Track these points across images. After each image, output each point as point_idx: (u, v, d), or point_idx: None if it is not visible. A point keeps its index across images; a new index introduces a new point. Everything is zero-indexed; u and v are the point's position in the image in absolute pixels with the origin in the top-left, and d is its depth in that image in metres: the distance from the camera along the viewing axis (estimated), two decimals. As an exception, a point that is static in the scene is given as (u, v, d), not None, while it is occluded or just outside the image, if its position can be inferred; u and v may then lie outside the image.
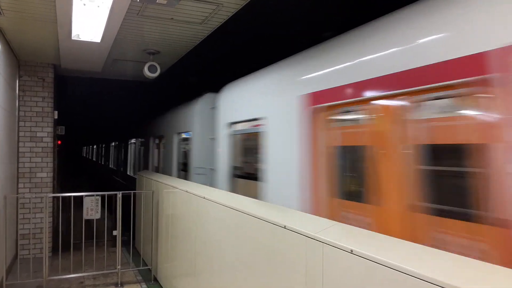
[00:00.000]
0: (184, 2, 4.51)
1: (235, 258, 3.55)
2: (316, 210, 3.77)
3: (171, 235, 5.72)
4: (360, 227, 2.63)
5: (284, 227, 2.73)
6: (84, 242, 6.34)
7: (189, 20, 5.15)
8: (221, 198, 4.11)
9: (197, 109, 7.36)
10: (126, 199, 6.70)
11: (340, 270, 2.21)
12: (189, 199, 4.92)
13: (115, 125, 17.94)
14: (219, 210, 3.93)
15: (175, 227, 5.54)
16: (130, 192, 7.15)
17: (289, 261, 2.68)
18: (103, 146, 22.22)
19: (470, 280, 1.61)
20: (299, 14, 6.00)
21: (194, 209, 4.75)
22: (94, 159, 30.45)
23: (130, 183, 12.52)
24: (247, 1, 4.49)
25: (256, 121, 5.00)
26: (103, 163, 22.82)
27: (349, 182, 3.61)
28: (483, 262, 1.79)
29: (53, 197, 7.72)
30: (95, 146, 28.55)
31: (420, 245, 2.16)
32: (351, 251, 2.11)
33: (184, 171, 8.09)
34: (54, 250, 7.54)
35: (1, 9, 4.83)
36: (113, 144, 16.41)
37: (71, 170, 29.54)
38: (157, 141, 10.67)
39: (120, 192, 6.42)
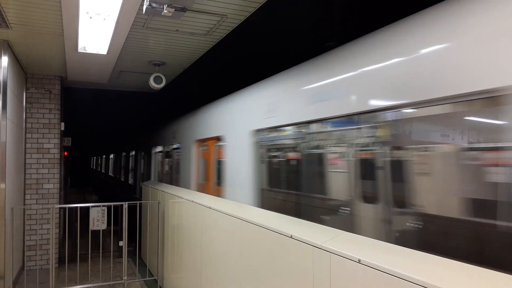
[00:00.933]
0: (189, 14, 4.56)
1: (241, 268, 3.54)
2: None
3: (177, 246, 5.71)
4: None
5: (291, 237, 2.73)
6: (91, 253, 6.34)
7: (194, 32, 5.20)
8: (227, 208, 4.11)
9: None
10: (132, 209, 6.71)
11: (348, 280, 2.19)
12: (195, 209, 4.92)
13: (126, 134, 17.85)
14: (225, 220, 3.93)
15: (181, 237, 5.53)
16: (136, 203, 7.17)
17: (296, 270, 2.67)
18: (117, 156, 21.16)
19: (479, 289, 1.60)
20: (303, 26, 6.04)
21: (200, 219, 4.75)
22: (103, 171, 29.07)
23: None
24: (251, 13, 4.54)
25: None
26: (115, 175, 21.48)
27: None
28: (492, 271, 1.77)
29: (60, 208, 7.75)
30: (107, 156, 27.39)
31: (426, 253, 2.15)
32: (359, 260, 2.10)
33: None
34: (61, 261, 7.55)
35: (9, 23, 4.91)
36: (132, 153, 15.51)
37: (77, 183, 29.26)
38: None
39: (126, 202, 6.44)
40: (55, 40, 5.56)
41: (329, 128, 3.59)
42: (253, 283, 3.31)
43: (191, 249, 5.03)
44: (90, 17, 4.50)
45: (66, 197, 9.42)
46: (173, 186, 7.40)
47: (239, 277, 3.56)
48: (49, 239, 6.49)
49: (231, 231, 3.78)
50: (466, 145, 2.44)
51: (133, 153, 14.62)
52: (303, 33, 6.14)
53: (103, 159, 28.74)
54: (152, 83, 6.86)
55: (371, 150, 3.04)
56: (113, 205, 6.63)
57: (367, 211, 3.02)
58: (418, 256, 2.13)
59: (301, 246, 2.61)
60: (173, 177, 8.69)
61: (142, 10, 3.77)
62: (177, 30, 5.13)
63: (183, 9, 3.71)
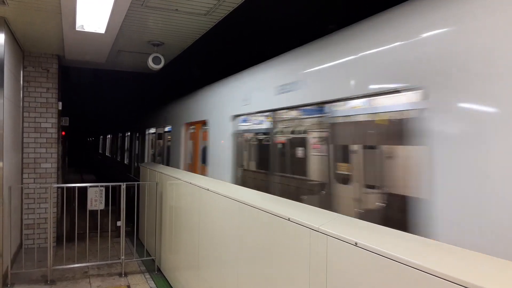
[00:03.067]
0: (189, -7, 4.49)
1: (238, 250, 3.56)
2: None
3: (174, 227, 5.74)
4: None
5: (288, 219, 2.74)
6: (89, 233, 6.38)
7: (193, 12, 5.13)
8: (225, 190, 4.12)
9: None
10: (130, 190, 6.73)
11: (344, 263, 2.21)
12: (192, 191, 4.93)
13: (122, 116, 17.74)
14: (223, 202, 3.94)
15: (178, 218, 5.56)
16: (134, 183, 7.18)
17: (293, 253, 2.69)
18: (113, 136, 20.87)
19: (475, 273, 1.61)
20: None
21: (197, 201, 4.77)
22: (100, 151, 28.79)
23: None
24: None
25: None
26: (112, 155, 21.39)
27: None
28: (490, 256, 1.78)
29: (58, 187, 7.76)
30: (104, 137, 26.89)
31: (423, 238, 2.17)
32: (356, 243, 2.11)
33: None
34: (59, 240, 7.60)
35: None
36: (127, 134, 15.23)
37: (75, 163, 28.96)
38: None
39: (124, 183, 6.45)
40: (52, 18, 5.47)
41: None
42: (250, 264, 3.34)
43: (189, 230, 5.06)
44: (88, -5, 4.42)
45: (64, 177, 9.42)
46: (171, 168, 7.42)
47: (236, 258, 3.59)
48: (47, 218, 6.51)
49: (229, 213, 3.80)
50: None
51: (128, 134, 14.58)
52: (301, 17, 6.07)
53: (100, 140, 28.60)
54: (150, 63, 6.79)
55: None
56: (111, 185, 6.65)
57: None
58: (415, 239, 2.14)
59: (298, 229, 2.62)
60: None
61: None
62: (176, 9, 5.05)
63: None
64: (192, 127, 7.25)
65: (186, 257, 5.15)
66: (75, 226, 6.42)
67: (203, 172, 6.39)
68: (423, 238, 2.16)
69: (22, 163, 7.44)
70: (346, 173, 4.12)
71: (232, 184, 4.90)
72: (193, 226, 4.89)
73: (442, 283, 1.61)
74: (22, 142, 7.44)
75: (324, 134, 4.06)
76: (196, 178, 5.28)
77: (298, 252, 2.63)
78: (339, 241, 2.24)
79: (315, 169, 4.77)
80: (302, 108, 4.20)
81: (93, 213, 6.57)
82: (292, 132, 5.33)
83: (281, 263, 2.84)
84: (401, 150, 3.65)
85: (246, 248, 3.41)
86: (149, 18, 5.45)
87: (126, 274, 6.33)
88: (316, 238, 2.43)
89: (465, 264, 1.75)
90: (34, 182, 7.49)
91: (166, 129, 9.25)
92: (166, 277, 6.15)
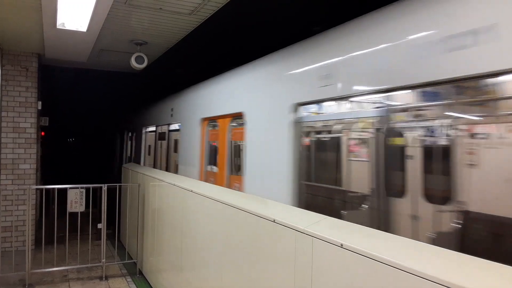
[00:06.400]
0: (173, -8, 4.43)
1: (222, 252, 3.52)
2: None
3: (157, 229, 5.66)
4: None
5: (274, 221, 2.71)
6: (68, 235, 6.23)
7: (178, 11, 5.06)
8: (209, 191, 4.07)
9: None
10: (111, 192, 6.61)
11: (330, 264, 2.19)
12: (175, 192, 4.87)
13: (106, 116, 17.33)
14: (207, 204, 3.89)
15: (161, 220, 5.48)
16: (116, 185, 7.06)
17: (278, 255, 2.67)
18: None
19: (460, 274, 1.61)
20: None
21: (180, 202, 4.70)
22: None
23: None
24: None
25: None
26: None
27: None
28: (475, 257, 1.79)
29: (37, 189, 7.57)
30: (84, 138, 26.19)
31: (409, 239, 2.17)
32: (341, 245, 2.09)
33: None
34: (37, 243, 7.41)
35: (-17, -5, 4.68)
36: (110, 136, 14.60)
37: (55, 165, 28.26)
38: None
39: (106, 184, 6.33)
40: (32, 15, 5.33)
41: None
42: (235, 266, 3.30)
43: (172, 232, 4.99)
44: (70, -8, 4.33)
45: (43, 178, 9.20)
46: (154, 169, 7.31)
47: (220, 260, 3.55)
48: (25, 220, 6.34)
49: (213, 214, 3.75)
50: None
51: (110, 135, 14.36)
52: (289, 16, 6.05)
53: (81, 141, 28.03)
54: (133, 63, 6.69)
55: None
56: (92, 187, 6.52)
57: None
58: (401, 241, 2.14)
59: (284, 230, 2.60)
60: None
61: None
62: (160, 8, 4.99)
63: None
64: (214, 123, 5.74)
65: (169, 260, 5.08)
66: (54, 228, 6.26)
67: (233, 185, 4.96)
68: (410, 240, 2.16)
69: (0, 164, 7.23)
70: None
71: (217, 186, 4.85)
72: (176, 228, 4.82)
73: (425, 283, 1.62)
74: (0, 143, 7.24)
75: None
76: (179, 179, 5.20)
77: (283, 253, 2.60)
78: (324, 242, 2.22)
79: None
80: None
81: (74, 215, 6.43)
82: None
83: (267, 264, 2.81)
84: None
85: (231, 250, 3.37)
86: (132, 16, 5.36)
87: (107, 278, 6.20)
88: (301, 240, 2.41)
89: (451, 265, 1.75)
90: (12, 184, 7.28)
91: (172, 127, 7.89)
92: (148, 280, 6.05)
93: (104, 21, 5.33)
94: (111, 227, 7.43)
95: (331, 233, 2.26)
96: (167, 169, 7.89)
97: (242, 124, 4.68)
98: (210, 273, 3.77)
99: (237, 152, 5.12)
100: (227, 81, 5.40)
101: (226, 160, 5.20)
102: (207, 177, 5.75)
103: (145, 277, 6.23)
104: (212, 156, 5.76)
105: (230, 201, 3.45)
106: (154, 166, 8.83)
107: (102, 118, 18.52)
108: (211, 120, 5.78)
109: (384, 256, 1.85)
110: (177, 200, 4.84)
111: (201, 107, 6.10)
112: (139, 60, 6.78)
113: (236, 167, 5.08)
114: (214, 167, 5.63)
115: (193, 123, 6.23)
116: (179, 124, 7.20)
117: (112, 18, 5.36)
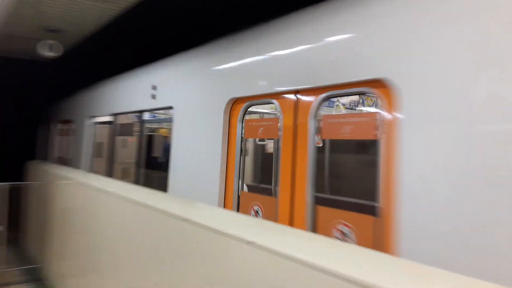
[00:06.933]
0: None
1: (131, 253, 3.37)
2: None
3: (65, 231, 5.30)
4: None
5: (184, 220, 2.63)
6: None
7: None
8: (119, 189, 3.91)
9: None
10: (14, 191, 6.08)
11: (241, 262, 2.18)
12: (84, 191, 4.60)
13: None
14: (115, 203, 3.73)
15: (69, 222, 5.14)
16: (19, 184, 6.51)
17: (189, 254, 2.60)
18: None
19: (365, 269, 1.65)
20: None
21: (89, 202, 4.45)
22: None
23: None
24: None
25: None
26: None
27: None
28: (382, 253, 1.85)
29: None
30: None
31: (323, 236, 2.22)
32: (252, 243, 2.08)
33: None
34: None
35: None
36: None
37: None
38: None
39: (7, 183, 5.80)
40: None
41: None
42: (143, 267, 3.17)
43: (81, 234, 4.69)
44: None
45: None
46: (62, 166, 6.84)
47: (129, 262, 3.39)
48: None
49: (121, 214, 3.59)
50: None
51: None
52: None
53: None
54: (43, 51, 6.19)
55: None
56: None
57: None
58: (313, 238, 2.20)
59: (193, 229, 2.53)
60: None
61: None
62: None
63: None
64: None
65: (76, 264, 4.77)
66: None
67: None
68: (322, 236, 2.21)
69: None
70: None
71: (132, 185, 4.65)
72: (85, 230, 4.54)
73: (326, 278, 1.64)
74: None
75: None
76: (89, 177, 4.92)
77: (194, 253, 2.54)
78: (235, 241, 2.19)
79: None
80: None
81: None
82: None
83: (177, 265, 2.73)
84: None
85: (140, 251, 3.24)
86: (43, 1, 4.95)
87: (4, 285, 5.65)
88: (212, 238, 2.36)
89: (359, 260, 1.79)
90: None
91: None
92: (56, 286, 5.62)
93: (12, 4, 4.88)
94: (13, 230, 6.82)
95: (243, 231, 2.25)
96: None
97: None
98: (119, 276, 3.60)
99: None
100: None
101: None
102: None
103: (49, 283, 5.77)
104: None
105: (138, 198, 3.33)
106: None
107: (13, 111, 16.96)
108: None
109: (294, 254, 1.85)
110: (86, 200, 4.58)
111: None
112: (52, 48, 6.32)
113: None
114: None
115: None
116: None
117: (20, 1, 4.92)
